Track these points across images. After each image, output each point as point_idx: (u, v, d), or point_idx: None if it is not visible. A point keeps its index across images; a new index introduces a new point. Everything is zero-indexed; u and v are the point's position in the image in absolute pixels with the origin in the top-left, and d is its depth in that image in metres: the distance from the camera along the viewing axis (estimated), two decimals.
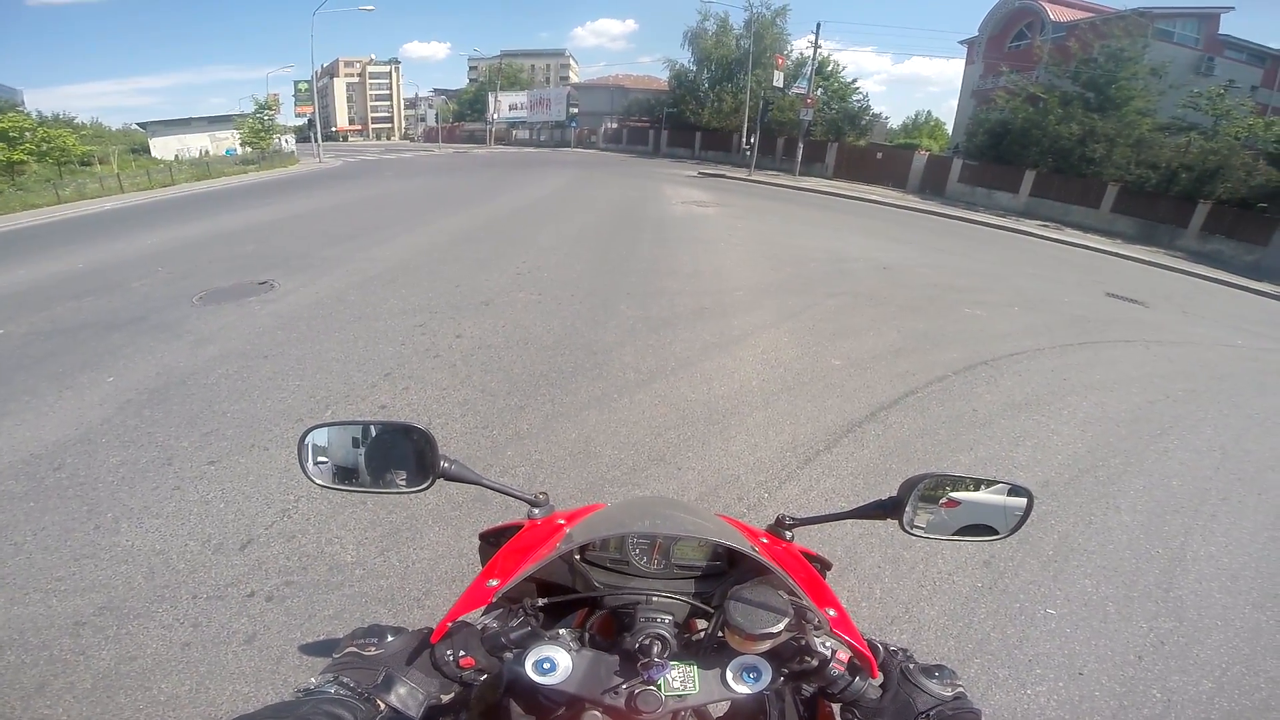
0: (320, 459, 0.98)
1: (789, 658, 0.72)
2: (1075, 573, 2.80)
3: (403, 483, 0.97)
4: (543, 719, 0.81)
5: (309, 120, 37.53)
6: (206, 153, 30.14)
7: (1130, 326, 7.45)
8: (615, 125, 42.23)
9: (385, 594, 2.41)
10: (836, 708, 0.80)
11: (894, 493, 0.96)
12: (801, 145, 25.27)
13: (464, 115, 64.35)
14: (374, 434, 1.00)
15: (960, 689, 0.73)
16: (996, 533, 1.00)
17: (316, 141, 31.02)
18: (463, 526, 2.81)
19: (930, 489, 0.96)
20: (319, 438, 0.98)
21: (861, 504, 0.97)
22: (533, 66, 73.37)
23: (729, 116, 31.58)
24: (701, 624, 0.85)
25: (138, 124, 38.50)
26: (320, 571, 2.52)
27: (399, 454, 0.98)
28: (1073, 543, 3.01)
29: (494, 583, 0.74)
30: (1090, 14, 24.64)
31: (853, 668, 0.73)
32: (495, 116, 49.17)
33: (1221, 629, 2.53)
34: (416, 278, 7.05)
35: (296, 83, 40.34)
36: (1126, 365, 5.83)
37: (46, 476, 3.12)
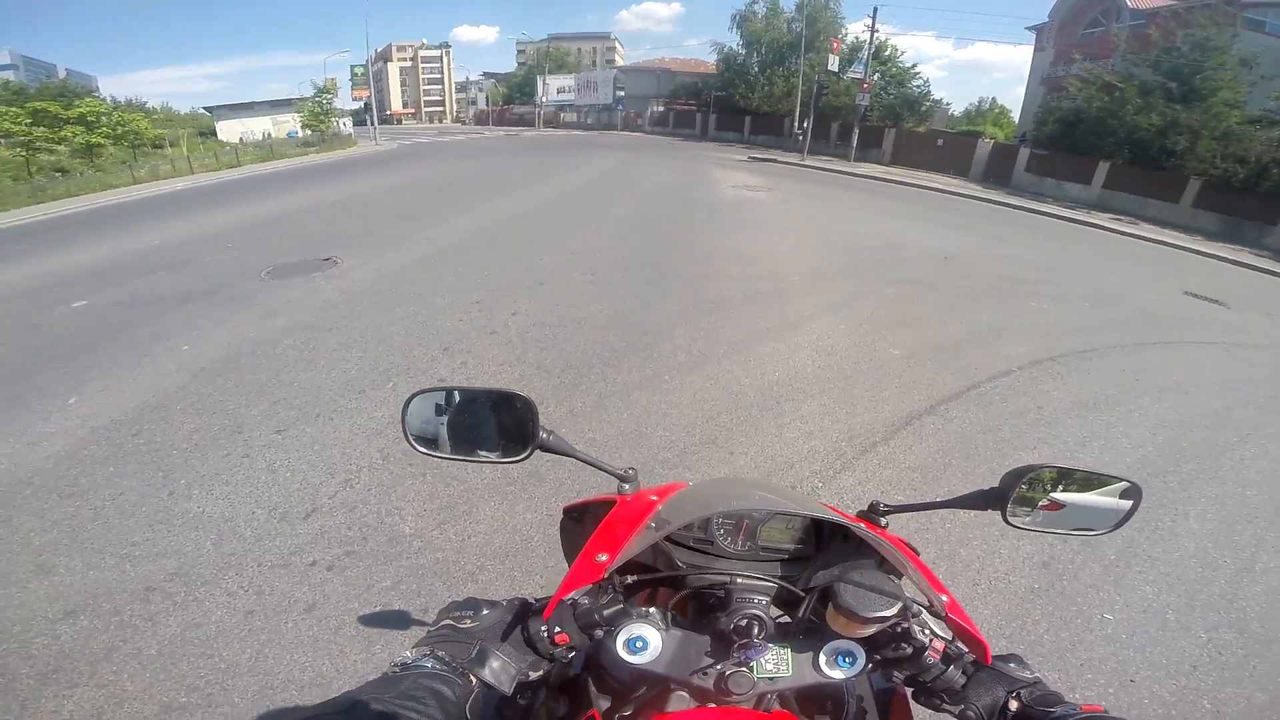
0: (420, 426, 0.97)
1: (885, 644, 0.71)
2: (1137, 579, 2.69)
3: (499, 452, 0.95)
4: (620, 698, 0.80)
5: (365, 104, 38.44)
6: (269, 135, 31.28)
7: (1210, 327, 6.96)
8: (661, 108, 41.68)
9: (441, 567, 2.46)
10: (909, 692, 0.78)
11: (978, 486, 0.91)
12: (857, 130, 24.37)
13: (513, 98, 64.80)
14: (476, 400, 0.99)
15: (1037, 675, 0.72)
16: (1101, 528, 0.96)
17: (373, 124, 31.75)
18: (517, 502, 2.86)
19: (1035, 480, 0.92)
20: (421, 404, 0.97)
21: (961, 493, 0.93)
22: (579, 50, 73.16)
23: (780, 101, 30.67)
24: (777, 610, 0.83)
25: (204, 108, 40.21)
26: (379, 542, 2.58)
27: (497, 422, 0.96)
28: (1137, 548, 2.88)
29: (603, 558, 0.73)
30: (1173, 1, 22.88)
31: (946, 656, 0.71)
32: (544, 100, 49.33)
33: None
34: (473, 257, 7.19)
35: (353, 67, 41.38)
36: (1205, 368, 5.47)
37: (126, 442, 3.27)
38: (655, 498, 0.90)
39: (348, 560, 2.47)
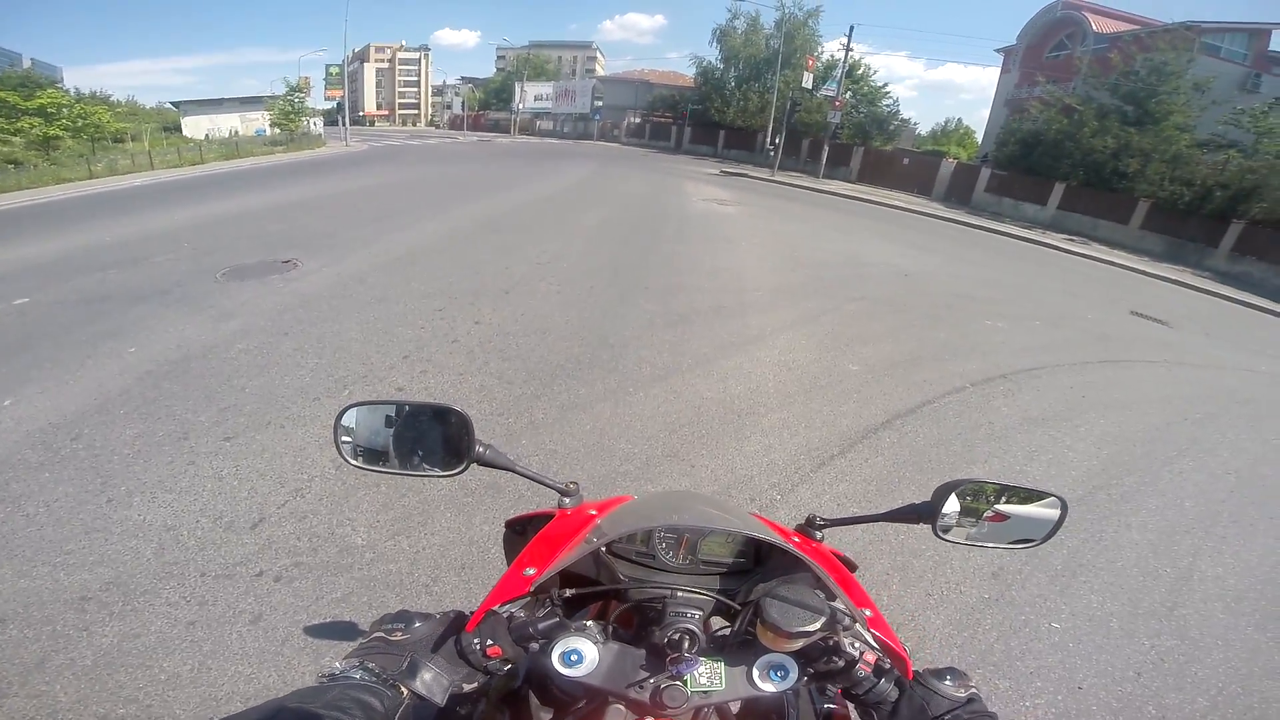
0: (354, 438, 0.97)
1: (816, 657, 0.71)
2: (1082, 588, 2.79)
3: (437, 466, 0.95)
4: (561, 710, 0.80)
5: (338, 104, 37.81)
6: (236, 133, 30.39)
7: (1153, 346, 7.32)
8: (638, 120, 42.10)
9: (394, 579, 2.41)
10: (853, 708, 0.79)
11: (926, 498, 0.94)
12: (827, 148, 25.03)
13: (489, 104, 64.57)
14: (410, 414, 0.98)
15: (973, 690, 0.73)
16: (1029, 541, 0.99)
17: (344, 125, 31.21)
18: (474, 513, 2.82)
19: (964, 495, 0.95)
20: (355, 416, 0.97)
21: (893, 507, 0.96)
22: (559, 58, 73.36)
23: (754, 116, 31.37)
24: (721, 621, 0.84)
25: (171, 103, 38.78)
26: (330, 553, 2.52)
27: (434, 436, 0.96)
28: (1082, 558, 2.99)
29: (530, 571, 0.74)
30: (1135, 26, 24.04)
31: (878, 669, 0.72)
32: (520, 106, 49.24)
33: (1222, 649, 2.53)
34: (438, 263, 7.09)
35: (328, 66, 40.42)
36: (1147, 385, 5.74)
37: (63, 447, 3.14)
38: (594, 512, 0.91)
39: (296, 571, 2.40)
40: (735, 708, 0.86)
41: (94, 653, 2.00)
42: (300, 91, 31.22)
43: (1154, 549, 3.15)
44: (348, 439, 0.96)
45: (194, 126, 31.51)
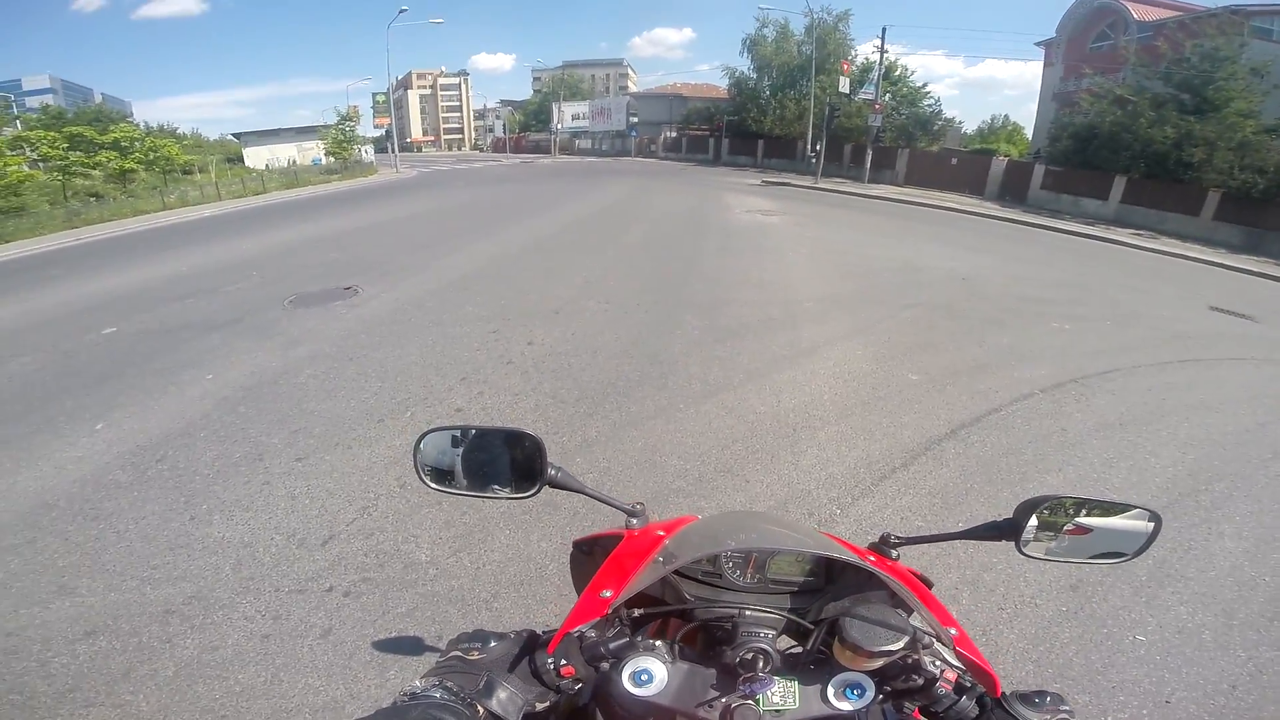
0: (432, 462, 1.00)
1: (894, 675, 0.69)
2: (1170, 599, 2.61)
3: (510, 488, 0.98)
4: None
5: (386, 131, 39.55)
6: (294, 161, 32.20)
7: (1237, 343, 6.79)
8: (674, 134, 42.37)
9: (456, 594, 2.47)
10: None
11: (996, 511, 0.95)
12: (870, 152, 24.48)
13: (529, 125, 66.28)
14: (485, 438, 1.01)
15: (1063, 716, 0.69)
16: (1119, 555, 0.94)
17: (394, 152, 32.57)
18: (531, 531, 2.87)
19: (1049, 511, 0.91)
20: (433, 441, 1.00)
21: (969, 524, 0.92)
22: (593, 76, 74.93)
23: (792, 124, 31.07)
24: (790, 641, 0.82)
25: (232, 134, 41.57)
26: (395, 569, 2.59)
27: (507, 458, 0.99)
28: (1169, 569, 2.79)
29: (607, 594, 0.74)
30: (1177, 13, 22.78)
31: (959, 687, 0.70)
32: (559, 127, 50.43)
33: None
34: (489, 285, 7.31)
35: (374, 95, 42.45)
36: (1233, 384, 5.33)
37: (149, 468, 3.33)
38: (662, 533, 0.90)
39: (364, 587, 2.49)
40: None
41: (175, 664, 2.09)
42: (350, 120, 32.79)
43: (1250, 557, 2.92)
44: (427, 463, 1.00)
45: (254, 157, 33.53)
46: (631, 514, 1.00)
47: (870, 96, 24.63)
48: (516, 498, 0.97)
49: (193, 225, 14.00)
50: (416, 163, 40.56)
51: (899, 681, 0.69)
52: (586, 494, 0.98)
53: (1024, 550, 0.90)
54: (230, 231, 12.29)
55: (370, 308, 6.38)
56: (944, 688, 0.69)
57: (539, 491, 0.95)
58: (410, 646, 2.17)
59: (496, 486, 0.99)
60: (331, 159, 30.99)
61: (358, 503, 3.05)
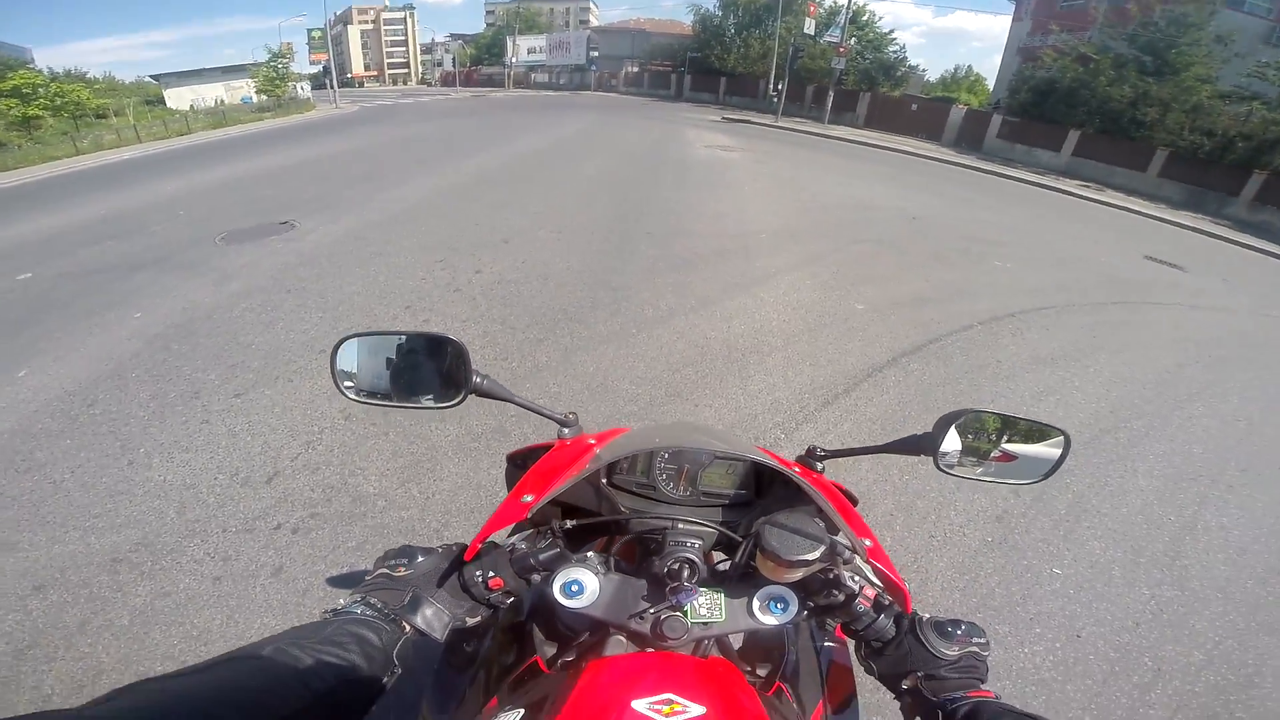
0: (351, 371, 0.95)
1: (816, 590, 0.71)
2: (1086, 534, 2.75)
3: (433, 398, 0.94)
4: (565, 645, 0.81)
5: (324, 67, 36.76)
6: (222, 101, 29.72)
7: (1167, 290, 7.15)
8: (636, 69, 40.77)
9: (406, 525, 2.45)
10: (851, 646, 0.79)
11: (928, 429, 0.91)
12: (832, 94, 24.19)
13: (481, 60, 62.48)
14: (406, 346, 0.96)
15: (973, 649, 0.70)
16: (1030, 478, 0.97)
17: (332, 88, 30.35)
18: (481, 458, 2.85)
19: (967, 428, 0.92)
20: (351, 350, 0.94)
21: (894, 438, 0.93)
22: (551, 10, 70.39)
23: (755, 63, 30.27)
24: (722, 556, 0.84)
25: (150, 76, 38.01)
26: (343, 503, 2.56)
27: (431, 368, 0.95)
28: (1086, 503, 2.95)
29: (528, 499, 0.73)
30: None
31: (878, 605, 0.72)
32: (513, 60, 47.64)
33: (1221, 601, 2.48)
34: (436, 218, 7.00)
35: (310, 30, 38.99)
36: (1160, 327, 5.63)
37: (80, 414, 3.15)
38: (593, 441, 0.91)
39: (312, 522, 2.44)
40: (736, 642, 0.87)
41: (129, 613, 2.05)
42: (283, 57, 30.30)
43: (1159, 496, 3.09)
44: (345, 372, 0.94)
45: (177, 98, 30.80)
46: (564, 424, 1.00)
47: (835, 40, 24.03)
48: (440, 407, 0.93)
49: (111, 169, 12.71)
50: (358, 98, 37.71)
51: (821, 597, 0.71)
52: (514, 402, 0.95)
53: (941, 465, 0.91)
54: (153, 173, 11.25)
55: (308, 241, 6.03)
56: (863, 604, 0.71)
57: (463, 400, 0.91)
58: (362, 580, 2.19)
59: (419, 396, 0.95)
60: (264, 97, 28.70)
61: (301, 437, 2.95)
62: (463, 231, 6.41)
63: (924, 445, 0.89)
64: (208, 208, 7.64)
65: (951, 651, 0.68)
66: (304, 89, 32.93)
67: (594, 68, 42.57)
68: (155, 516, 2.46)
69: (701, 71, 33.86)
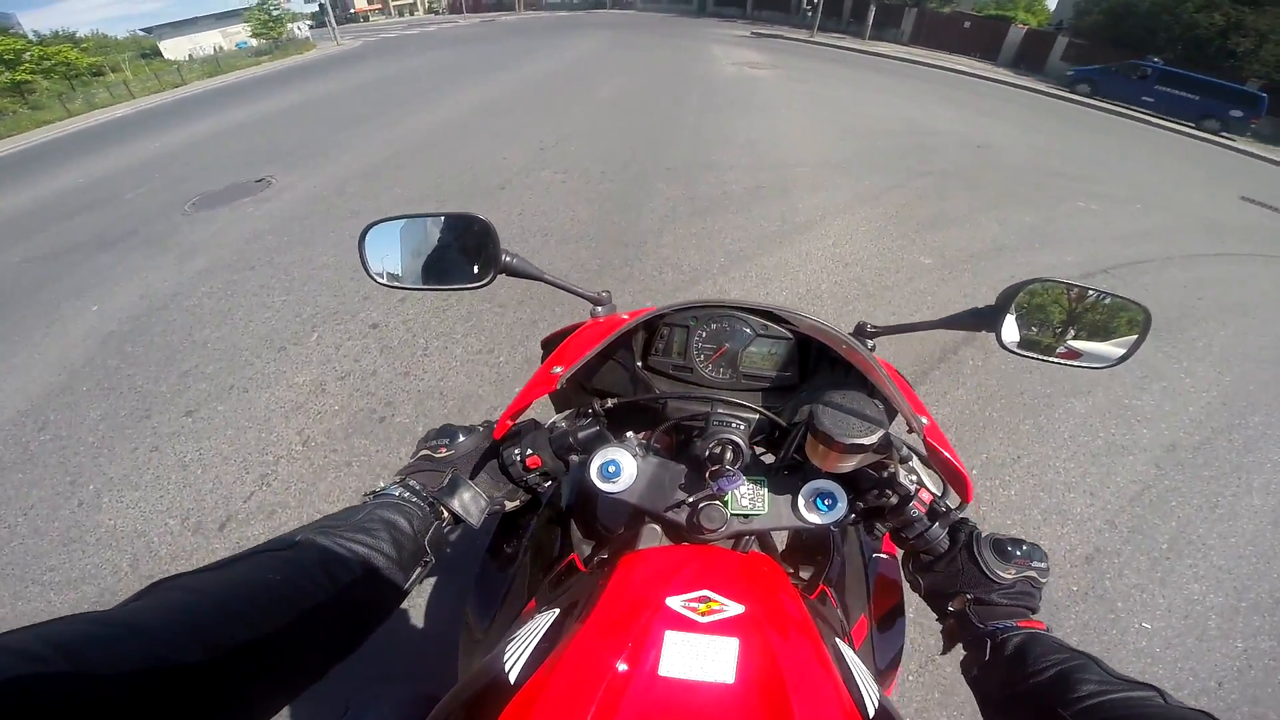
0: (379, 256, 0.91)
1: (867, 489, 0.67)
2: (1186, 574, 2.21)
3: (463, 278, 0.89)
4: (602, 543, 0.84)
5: (320, 4, 34.87)
6: (219, 49, 28.76)
7: (1270, 238, 6.05)
8: None
9: None
10: (901, 556, 0.73)
11: (992, 303, 0.77)
12: (873, 7, 21.68)
13: None
14: (432, 226, 0.92)
15: (1031, 573, 0.63)
16: (1105, 358, 0.81)
17: (331, 25, 28.67)
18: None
19: (1034, 298, 0.79)
20: (379, 235, 0.91)
21: (953, 312, 0.79)
22: None
23: None
24: (763, 449, 0.78)
25: (142, 30, 37.11)
26: None
27: (459, 248, 0.91)
28: (1192, 533, 2.37)
29: (558, 369, 0.69)
30: None
31: (933, 512, 0.66)
32: None
33: None
34: (426, 160, 6.22)
35: None
36: (1267, 284, 4.69)
37: (32, 440, 2.81)
38: (626, 316, 0.85)
39: None
40: (779, 541, 0.88)
41: None
42: None
43: (1274, 519, 2.46)
44: (373, 258, 0.90)
45: (174, 49, 30.11)
46: (597, 302, 0.97)
47: None
48: (470, 288, 0.89)
49: (102, 128, 12.07)
50: (363, 33, 35.82)
51: (872, 496, 0.66)
52: (545, 281, 0.92)
53: (1004, 343, 0.79)
54: (140, 131, 10.50)
55: (283, 200, 5.35)
56: (918, 509, 0.66)
57: (493, 279, 0.87)
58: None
59: (449, 278, 0.91)
60: (260, 40, 27.49)
61: (255, 469, 2.50)
62: (453, 177, 5.63)
63: (985, 320, 0.78)
64: (186, 166, 6.99)
65: (1008, 574, 0.63)
66: (301, 29, 31.35)
67: None
68: (109, 570, 2.17)
69: None
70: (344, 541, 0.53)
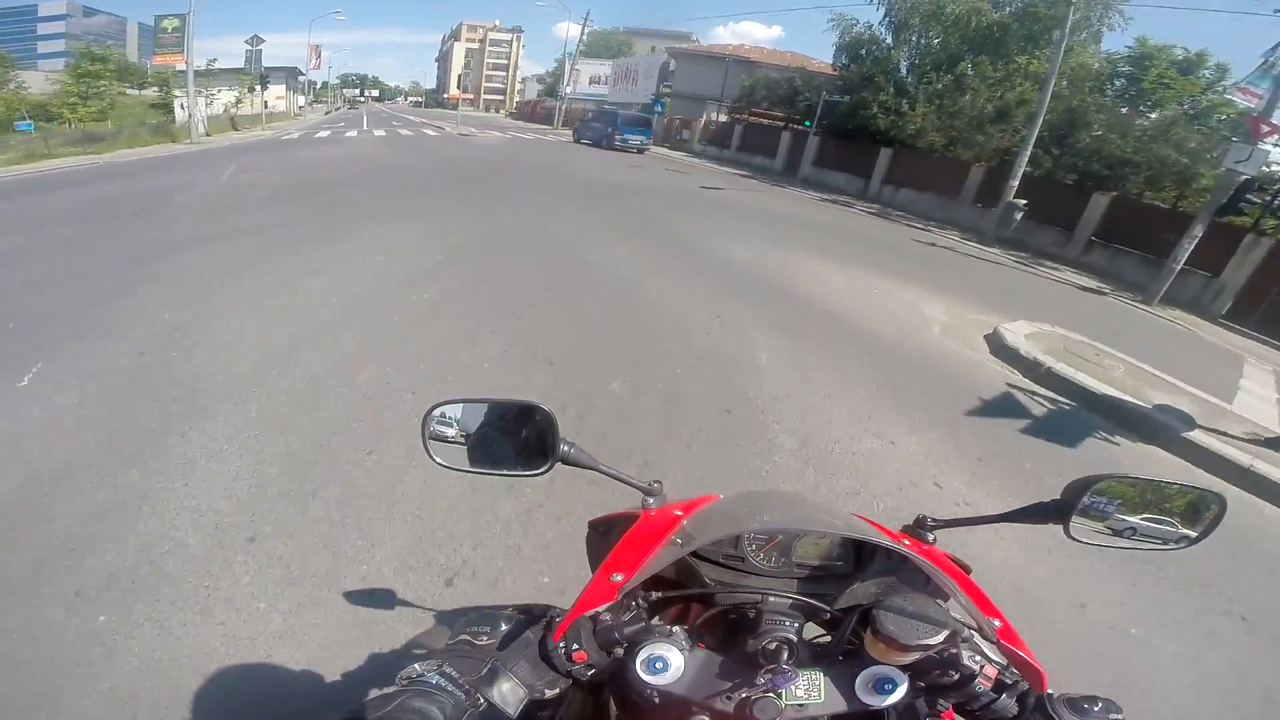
0: (440, 438, 0.90)
1: (929, 670, 0.64)
2: None
3: (521, 465, 0.89)
4: (642, 716, 0.77)
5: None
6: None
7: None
8: (723, 118, 26.58)
9: None
10: None
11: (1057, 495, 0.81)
12: (1199, 229, 9.48)
13: (554, 90, 52.32)
14: (495, 413, 0.92)
15: None
16: (1177, 543, 0.84)
17: (195, 113, 18.14)
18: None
19: (1102, 492, 0.81)
20: (442, 415, 0.90)
21: (1018, 506, 0.83)
22: (653, 48, 58.89)
23: (975, 130, 15.87)
24: (815, 629, 0.78)
25: None
26: None
27: (518, 435, 0.90)
28: None
29: (618, 577, 0.69)
30: None
31: (999, 684, 0.65)
32: (571, 90, 35.62)
33: None
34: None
35: (159, 17, 25.76)
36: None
37: None
38: (680, 512, 0.85)
39: None
40: None
41: None
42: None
43: None
44: (434, 440, 0.89)
45: None
46: (648, 493, 0.94)
47: (1259, 97, 9.28)
48: (527, 475, 0.89)
49: None
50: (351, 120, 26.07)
51: (934, 676, 0.64)
52: (600, 471, 0.90)
53: (1071, 533, 0.80)
54: None
55: None
56: (983, 684, 0.64)
57: (551, 467, 0.86)
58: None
59: (506, 464, 0.91)
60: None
61: None
62: None
63: (1052, 514, 0.81)
64: None
65: None
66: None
67: (659, 108, 28.61)
68: None
69: (842, 134, 19.38)
70: None
